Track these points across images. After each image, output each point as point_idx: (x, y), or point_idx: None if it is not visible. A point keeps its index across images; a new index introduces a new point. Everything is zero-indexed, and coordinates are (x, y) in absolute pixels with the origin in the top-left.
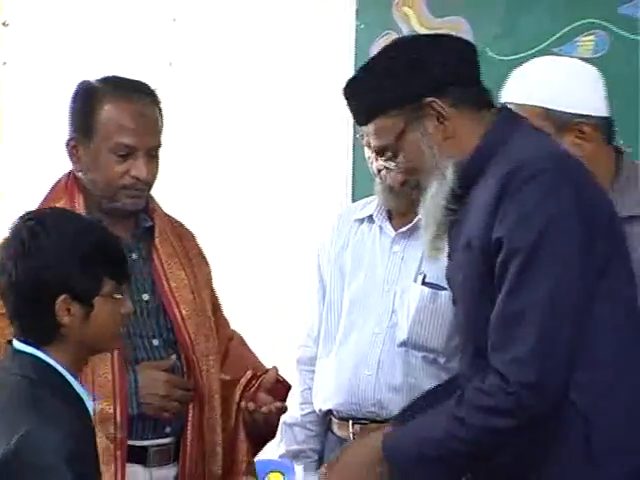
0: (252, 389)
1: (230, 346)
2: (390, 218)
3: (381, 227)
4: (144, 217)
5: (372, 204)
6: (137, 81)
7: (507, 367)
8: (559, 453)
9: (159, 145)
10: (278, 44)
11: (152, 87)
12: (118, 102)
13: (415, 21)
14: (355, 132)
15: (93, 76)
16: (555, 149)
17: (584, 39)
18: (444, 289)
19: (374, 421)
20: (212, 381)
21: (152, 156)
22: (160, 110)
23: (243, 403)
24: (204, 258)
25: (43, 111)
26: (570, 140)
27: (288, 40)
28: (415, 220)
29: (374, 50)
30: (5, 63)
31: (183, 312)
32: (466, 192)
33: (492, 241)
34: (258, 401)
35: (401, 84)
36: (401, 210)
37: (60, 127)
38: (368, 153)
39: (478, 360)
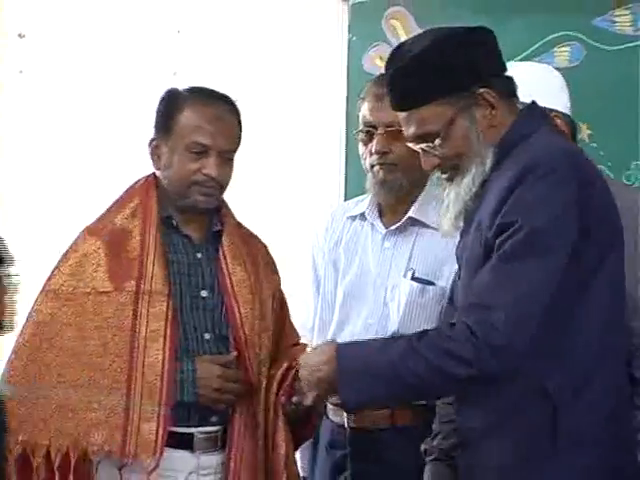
0: (289, 381)
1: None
2: (381, 216)
3: (372, 224)
4: (215, 221)
5: (364, 202)
6: (219, 91)
7: (479, 325)
8: (525, 437)
9: (233, 149)
10: (276, 54)
11: (233, 98)
12: (197, 105)
13: (402, 33)
14: (347, 134)
15: (103, 83)
16: (569, 149)
17: (561, 50)
18: (432, 284)
19: None
20: (262, 376)
21: (225, 159)
22: (238, 119)
23: (282, 397)
24: (274, 269)
25: (57, 117)
26: None
27: (286, 51)
28: (404, 218)
29: (366, 60)
30: (21, 72)
31: (242, 310)
32: (486, 177)
33: (496, 225)
34: (298, 393)
35: (453, 75)
36: (391, 205)
37: (72, 132)
38: (362, 150)
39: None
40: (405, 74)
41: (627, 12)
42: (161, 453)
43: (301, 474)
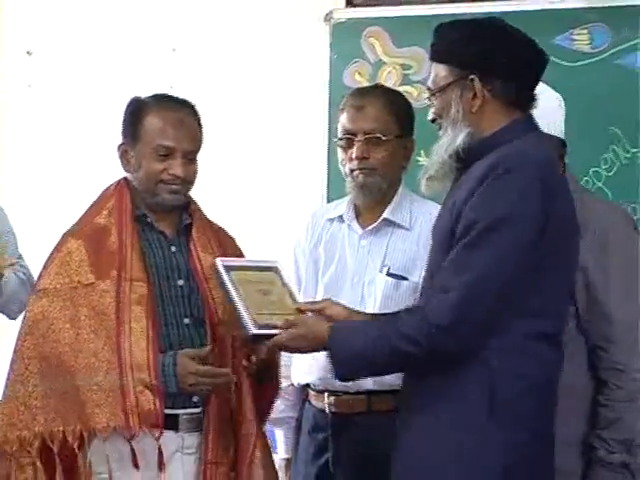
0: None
1: None
2: (357, 217)
3: (350, 225)
4: (185, 216)
5: (342, 205)
6: (178, 97)
7: (433, 306)
8: (464, 405)
9: (195, 150)
10: (264, 70)
11: (192, 103)
12: (160, 111)
13: (380, 51)
14: (329, 143)
15: (104, 97)
16: (540, 156)
17: None
18: (406, 279)
19: (347, 393)
20: (238, 357)
21: (189, 159)
22: (198, 122)
23: (243, 361)
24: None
25: (62, 128)
26: None
27: (273, 67)
28: (380, 220)
29: (346, 75)
30: (30, 86)
31: (214, 294)
32: (466, 168)
33: (463, 210)
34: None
35: (463, 51)
36: (368, 206)
37: (76, 143)
38: (342, 156)
39: (423, 300)
40: (441, 32)
41: (585, 32)
42: (162, 421)
43: (285, 456)
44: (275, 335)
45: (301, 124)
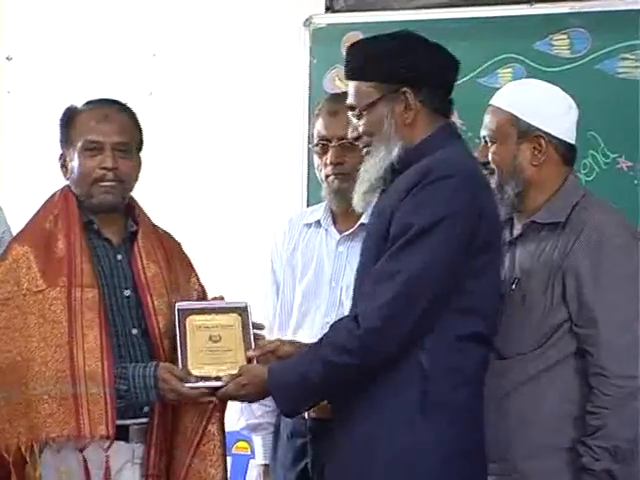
0: None
1: None
2: (335, 223)
3: (327, 230)
4: (130, 223)
5: (319, 211)
6: (108, 98)
7: (362, 313)
8: (395, 401)
9: (125, 142)
10: (244, 75)
11: (124, 102)
12: (86, 111)
13: None
14: (309, 147)
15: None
16: (466, 162)
17: (504, 71)
18: None
19: None
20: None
21: (121, 151)
22: (129, 116)
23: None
24: (189, 263)
25: (43, 135)
26: (528, 148)
27: (253, 72)
28: (357, 225)
29: (326, 80)
30: (9, 92)
31: (155, 303)
32: (395, 176)
33: (393, 217)
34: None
35: (392, 65)
36: (344, 211)
37: (58, 149)
38: (317, 162)
39: (353, 306)
40: (358, 50)
41: (565, 37)
42: (114, 430)
43: (264, 462)
44: (212, 387)
45: (281, 129)
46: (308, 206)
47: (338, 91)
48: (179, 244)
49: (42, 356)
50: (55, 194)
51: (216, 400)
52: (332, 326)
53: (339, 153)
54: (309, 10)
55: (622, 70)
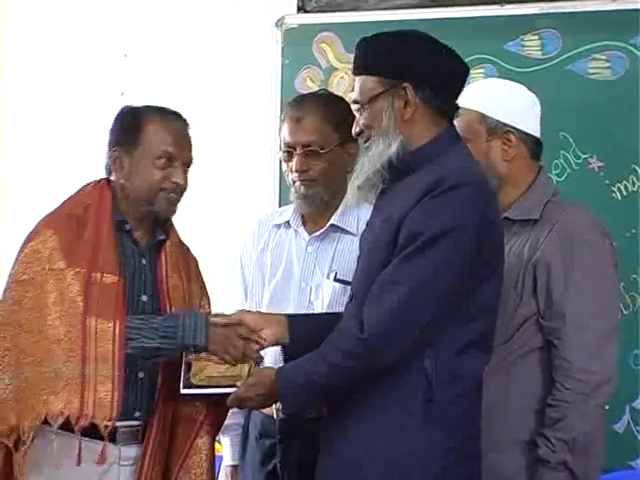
0: None
1: None
2: (304, 223)
3: (296, 231)
4: (159, 232)
5: (288, 211)
6: (173, 110)
7: (368, 319)
8: (399, 408)
9: (191, 160)
10: (216, 76)
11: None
12: (162, 119)
13: (332, 56)
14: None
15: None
16: (476, 170)
17: (475, 72)
18: None
19: None
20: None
21: (185, 170)
22: (190, 131)
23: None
24: (202, 280)
25: (15, 136)
26: (498, 145)
27: (225, 73)
28: (327, 226)
29: (298, 81)
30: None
31: (173, 311)
32: (399, 178)
33: (404, 224)
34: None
35: (395, 61)
36: (313, 215)
37: (30, 149)
38: (285, 167)
39: (358, 311)
40: (364, 46)
41: (536, 37)
42: (118, 414)
43: (232, 463)
44: (207, 393)
45: (252, 130)
46: (280, 199)
47: (309, 91)
48: (196, 261)
49: (55, 334)
50: (89, 185)
51: (230, 403)
52: (337, 329)
53: (304, 161)
54: (281, 10)
55: (593, 71)
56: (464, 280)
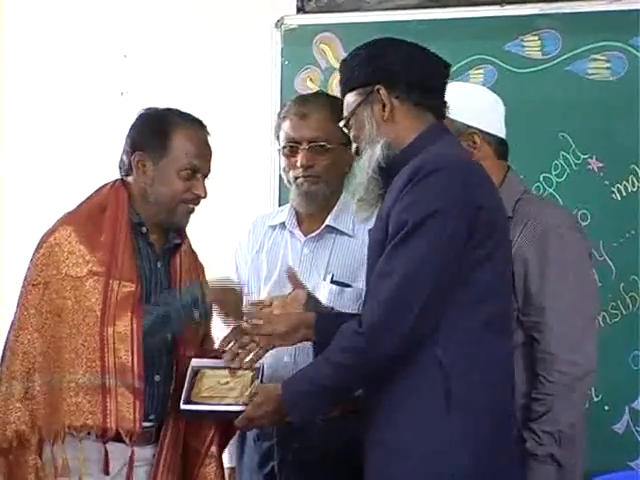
0: None
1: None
2: (300, 225)
3: (292, 232)
4: (174, 235)
5: (283, 213)
6: (193, 115)
7: (364, 312)
8: (419, 403)
9: (210, 172)
10: (216, 76)
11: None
12: (189, 130)
13: (331, 57)
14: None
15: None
16: (457, 155)
17: (475, 72)
18: (349, 286)
19: None
20: None
21: (205, 178)
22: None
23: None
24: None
25: (15, 135)
26: (464, 146)
27: (225, 73)
28: (323, 226)
29: (297, 82)
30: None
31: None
32: (394, 176)
33: (390, 218)
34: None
35: (364, 69)
36: (312, 213)
37: (30, 151)
38: (284, 163)
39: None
40: (341, 67)
41: (536, 38)
42: (140, 424)
43: (229, 465)
44: (206, 411)
45: (252, 130)
46: (280, 205)
47: (309, 92)
48: (203, 268)
49: (72, 343)
50: (104, 187)
51: (239, 424)
52: (339, 330)
53: (309, 156)
54: (280, 11)
55: (593, 71)
56: (455, 263)
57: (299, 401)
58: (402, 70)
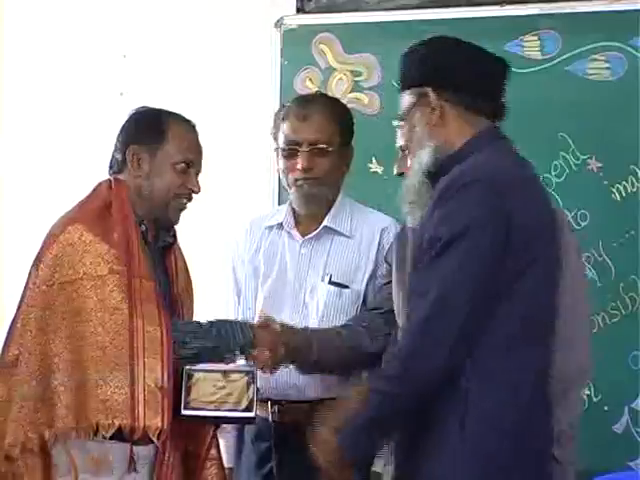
0: None
1: None
2: (297, 225)
3: (290, 233)
4: (165, 234)
5: (280, 213)
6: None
7: (401, 337)
8: (436, 423)
9: (201, 170)
10: (215, 76)
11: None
12: (183, 126)
13: (331, 57)
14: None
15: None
16: (496, 164)
17: None
18: (347, 287)
19: (290, 402)
20: None
21: (197, 175)
22: None
23: None
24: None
25: (13, 137)
26: None
27: (224, 73)
28: (320, 227)
29: (297, 82)
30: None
31: (184, 310)
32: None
33: (425, 228)
34: None
35: (415, 71)
36: (312, 215)
37: (28, 149)
38: (283, 165)
39: None
40: (402, 62)
41: (535, 38)
42: (168, 424)
43: (227, 465)
44: (207, 416)
45: (251, 131)
46: (279, 199)
47: (308, 92)
48: (186, 263)
49: (98, 341)
50: (101, 185)
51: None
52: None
53: (310, 158)
54: (280, 11)
55: (592, 72)
56: (491, 278)
57: (351, 437)
58: (452, 73)
